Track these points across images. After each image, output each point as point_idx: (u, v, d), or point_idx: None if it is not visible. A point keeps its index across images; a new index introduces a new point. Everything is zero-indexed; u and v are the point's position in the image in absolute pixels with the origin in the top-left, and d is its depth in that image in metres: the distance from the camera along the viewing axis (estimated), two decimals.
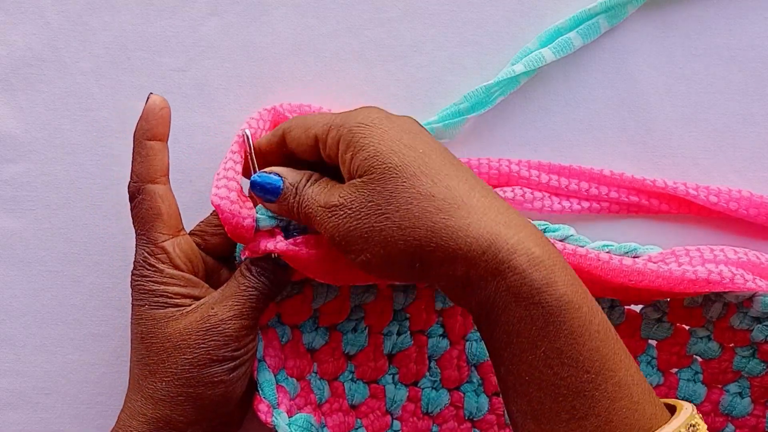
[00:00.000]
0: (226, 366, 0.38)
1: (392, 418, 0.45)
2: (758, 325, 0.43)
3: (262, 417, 0.40)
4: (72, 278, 0.47)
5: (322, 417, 0.43)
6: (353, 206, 0.36)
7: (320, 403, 0.43)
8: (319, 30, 0.48)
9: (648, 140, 0.48)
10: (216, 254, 0.42)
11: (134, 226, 0.40)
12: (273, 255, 0.40)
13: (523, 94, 0.48)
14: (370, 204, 0.35)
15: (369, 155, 0.35)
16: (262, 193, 0.39)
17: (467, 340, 0.45)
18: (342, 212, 0.36)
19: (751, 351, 0.44)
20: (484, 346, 0.44)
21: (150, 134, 0.40)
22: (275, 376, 0.41)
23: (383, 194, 0.35)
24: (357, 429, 0.44)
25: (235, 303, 0.39)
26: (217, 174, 0.40)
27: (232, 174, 0.40)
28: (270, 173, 0.39)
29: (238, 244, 0.41)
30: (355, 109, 0.38)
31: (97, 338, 0.47)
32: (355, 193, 0.36)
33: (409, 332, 0.45)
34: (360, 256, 0.36)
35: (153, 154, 0.40)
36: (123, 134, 0.47)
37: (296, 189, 0.38)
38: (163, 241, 0.39)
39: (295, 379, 0.43)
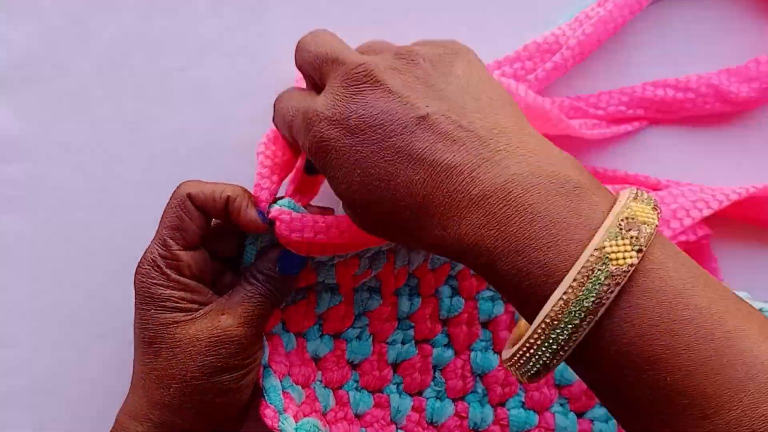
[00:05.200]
0: (235, 374, 0.38)
1: (397, 428, 0.45)
2: None
3: (269, 422, 0.40)
4: (72, 278, 0.47)
5: (327, 426, 0.42)
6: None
7: (325, 411, 0.43)
8: None
9: (648, 140, 0.48)
10: (221, 256, 0.42)
11: (160, 220, 0.40)
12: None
13: None
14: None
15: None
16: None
17: (472, 350, 0.45)
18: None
19: None
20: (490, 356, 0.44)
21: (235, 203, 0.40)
22: (281, 382, 0.41)
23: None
24: None
25: (244, 311, 0.39)
26: None
27: None
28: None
29: (246, 249, 0.41)
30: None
31: (97, 338, 0.47)
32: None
33: (413, 341, 0.45)
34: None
35: (216, 196, 0.39)
36: (123, 134, 0.47)
37: None
38: (176, 250, 0.39)
39: (299, 387, 0.42)
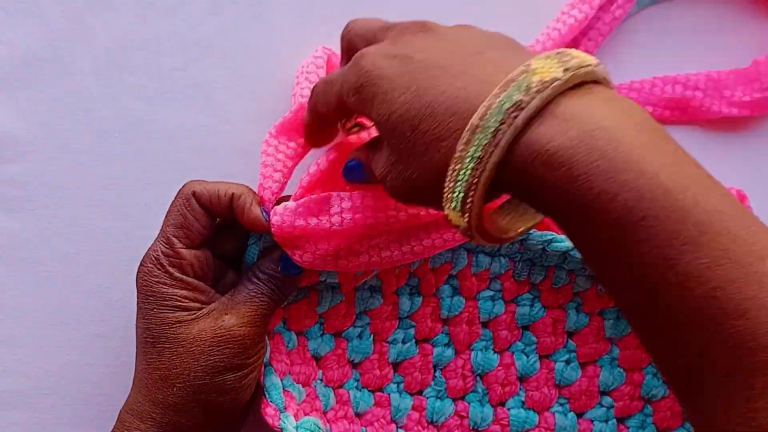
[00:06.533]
0: (239, 373, 0.38)
1: (397, 427, 0.45)
2: None
3: (269, 421, 0.40)
4: (72, 278, 0.47)
5: (327, 424, 0.43)
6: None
7: (325, 410, 0.43)
8: (319, 30, 0.47)
9: None
10: (223, 256, 0.42)
11: (164, 219, 0.40)
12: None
13: None
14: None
15: (379, 121, 0.33)
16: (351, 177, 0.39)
17: (472, 350, 0.45)
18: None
19: None
20: (490, 355, 0.44)
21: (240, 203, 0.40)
22: (281, 381, 0.41)
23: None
24: None
25: (247, 310, 0.39)
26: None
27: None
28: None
29: (249, 248, 0.41)
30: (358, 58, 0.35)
31: (97, 338, 0.47)
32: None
33: (414, 340, 0.45)
34: None
35: (220, 194, 0.39)
36: (123, 134, 0.47)
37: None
38: (180, 248, 0.39)
39: (300, 385, 0.43)
